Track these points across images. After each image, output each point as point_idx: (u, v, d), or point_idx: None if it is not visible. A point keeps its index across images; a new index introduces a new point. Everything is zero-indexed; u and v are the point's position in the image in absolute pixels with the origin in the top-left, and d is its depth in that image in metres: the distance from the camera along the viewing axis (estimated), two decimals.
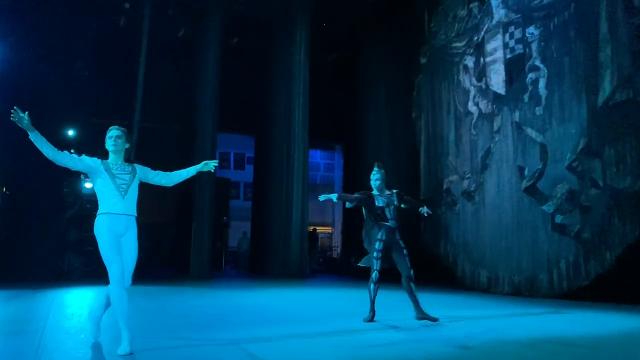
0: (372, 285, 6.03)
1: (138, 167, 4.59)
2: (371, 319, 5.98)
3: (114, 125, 4.53)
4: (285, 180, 16.01)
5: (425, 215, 6.22)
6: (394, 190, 6.27)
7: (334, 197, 5.93)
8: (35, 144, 4.08)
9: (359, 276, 15.46)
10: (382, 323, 5.97)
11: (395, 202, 6.15)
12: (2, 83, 10.92)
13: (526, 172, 10.74)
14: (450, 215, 13.14)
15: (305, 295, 10.52)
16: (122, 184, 4.39)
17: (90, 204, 14.00)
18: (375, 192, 6.19)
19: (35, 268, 11.96)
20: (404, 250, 6.00)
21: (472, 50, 12.69)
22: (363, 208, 6.27)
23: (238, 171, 28.44)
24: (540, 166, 10.43)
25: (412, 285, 5.87)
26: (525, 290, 10.37)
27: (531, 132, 10.72)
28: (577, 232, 9.51)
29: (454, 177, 13.06)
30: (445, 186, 13.36)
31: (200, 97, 15.82)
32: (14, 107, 3.93)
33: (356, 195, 6.16)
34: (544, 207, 10.19)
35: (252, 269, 18.25)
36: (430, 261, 13.72)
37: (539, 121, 10.55)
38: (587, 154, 9.52)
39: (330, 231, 29.98)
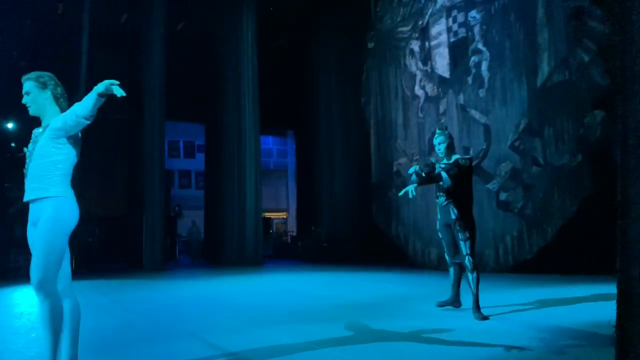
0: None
1: (52, 120, 3.14)
2: (445, 303, 5.49)
3: None
4: (238, 168, 15.91)
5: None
6: (455, 157, 5.24)
7: (411, 188, 5.04)
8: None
9: (311, 260, 15.73)
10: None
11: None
12: None
13: (471, 152, 11.11)
14: (400, 197, 13.42)
15: (260, 282, 10.58)
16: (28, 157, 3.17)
17: None
18: (436, 159, 5.39)
19: None
20: (459, 234, 5.07)
21: (417, 35, 12.93)
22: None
23: (188, 159, 28.02)
24: (484, 146, 10.82)
25: (468, 275, 5.02)
26: None
27: (475, 114, 11.09)
28: (521, 209, 9.97)
29: (403, 160, 13.36)
30: (395, 168, 13.66)
31: (147, 84, 15.42)
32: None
33: (424, 174, 5.10)
34: (489, 186, 10.60)
35: (206, 258, 18.13)
36: (382, 242, 14.09)
37: (483, 103, 10.92)
38: (528, 133, 9.95)
39: (285, 217, 30.07)
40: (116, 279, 11.80)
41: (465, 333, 4.22)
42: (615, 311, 2.07)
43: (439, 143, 5.24)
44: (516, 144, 10.15)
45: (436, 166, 5.25)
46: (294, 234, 22.98)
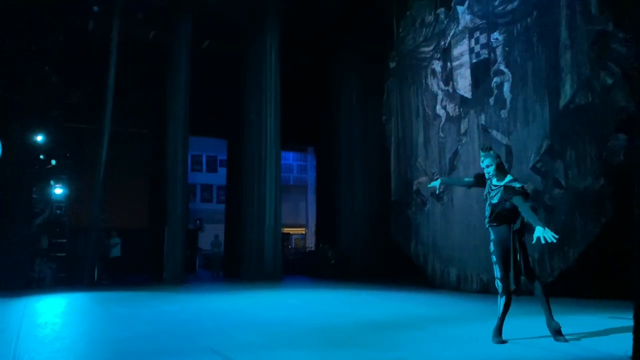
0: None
1: None
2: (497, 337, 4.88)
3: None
4: (258, 183, 16.07)
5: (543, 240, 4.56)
6: (509, 178, 4.99)
7: (436, 183, 5.46)
8: None
9: (325, 277, 15.72)
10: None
11: (494, 200, 4.96)
12: None
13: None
14: (420, 216, 13.42)
15: (279, 298, 10.63)
16: None
17: (60, 209, 13.83)
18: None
19: (4, 277, 11.75)
20: (492, 257, 5.00)
21: (439, 55, 13.00)
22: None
23: (210, 174, 28.34)
24: (505, 167, 10.76)
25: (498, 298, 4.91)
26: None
27: (497, 135, 11.07)
28: None
29: (423, 179, 13.35)
30: (414, 187, 13.66)
31: (171, 100, 15.75)
32: None
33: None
34: None
35: (226, 272, 18.25)
36: (401, 261, 14.05)
37: (504, 124, 10.91)
38: (550, 155, 9.89)
39: (304, 232, 30.12)
40: (137, 291, 11.97)
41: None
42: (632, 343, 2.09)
43: (487, 166, 5.02)
44: (538, 165, 10.09)
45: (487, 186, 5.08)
46: (312, 249, 23.01)
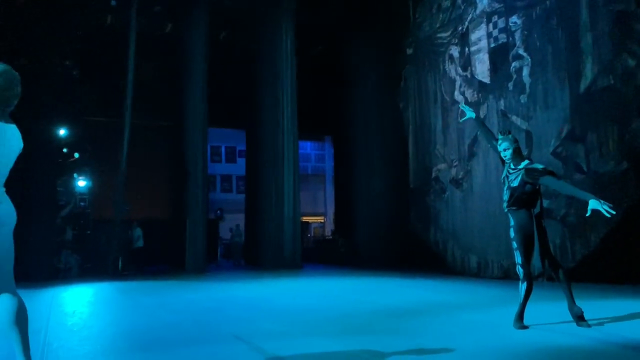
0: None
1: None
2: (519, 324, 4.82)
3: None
4: (276, 172, 16.17)
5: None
6: (526, 162, 4.89)
7: (471, 114, 5.41)
8: None
9: (350, 264, 15.81)
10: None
11: (514, 183, 4.86)
12: None
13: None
14: (439, 203, 13.39)
15: (299, 286, 10.73)
16: None
17: (84, 201, 14.11)
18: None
19: (31, 268, 12.04)
20: (512, 243, 4.94)
21: (456, 40, 12.88)
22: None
23: (230, 164, 28.55)
24: (525, 153, 10.63)
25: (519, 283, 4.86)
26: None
27: (516, 120, 10.96)
28: (563, 216, 9.79)
29: (442, 166, 13.30)
30: (433, 174, 13.61)
31: (190, 92, 15.89)
32: None
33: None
34: None
35: (247, 260, 18.47)
36: (420, 248, 14.04)
37: (524, 109, 10.79)
38: (571, 139, 9.77)
39: (322, 221, 30.22)
40: (160, 280, 12.18)
41: (504, 344, 4.24)
42: None
43: (505, 149, 4.92)
44: (558, 150, 9.98)
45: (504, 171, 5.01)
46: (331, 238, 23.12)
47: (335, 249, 17.34)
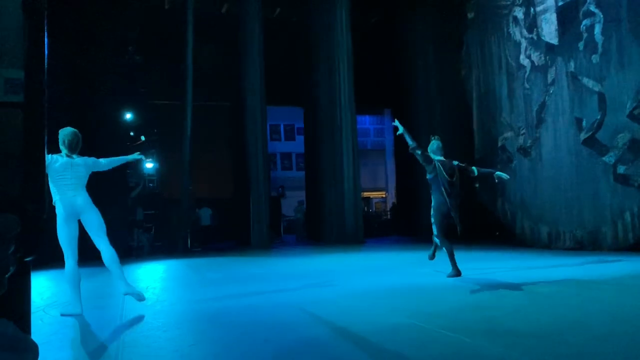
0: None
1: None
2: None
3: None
4: (335, 148, 16.12)
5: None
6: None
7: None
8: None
9: (412, 236, 15.63)
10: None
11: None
12: (63, 72, 11.40)
13: (584, 124, 10.38)
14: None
15: (359, 260, 10.72)
16: None
17: (152, 183, 14.66)
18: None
19: None
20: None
21: (520, 1, 12.20)
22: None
23: (289, 142, 28.75)
24: (598, 116, 10.05)
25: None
26: (589, 244, 10.16)
27: (588, 82, 10.31)
28: None
29: (508, 134, 12.78)
30: (500, 143, 13.09)
31: (247, 71, 16.01)
32: None
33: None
34: (605, 159, 9.86)
35: (309, 236, 18.66)
36: (488, 220, 13.63)
37: (596, 69, 10.11)
38: None
39: (384, 196, 30.00)
40: (227, 256, 12.52)
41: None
42: None
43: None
44: (635, 112, 9.30)
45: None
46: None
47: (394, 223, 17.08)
